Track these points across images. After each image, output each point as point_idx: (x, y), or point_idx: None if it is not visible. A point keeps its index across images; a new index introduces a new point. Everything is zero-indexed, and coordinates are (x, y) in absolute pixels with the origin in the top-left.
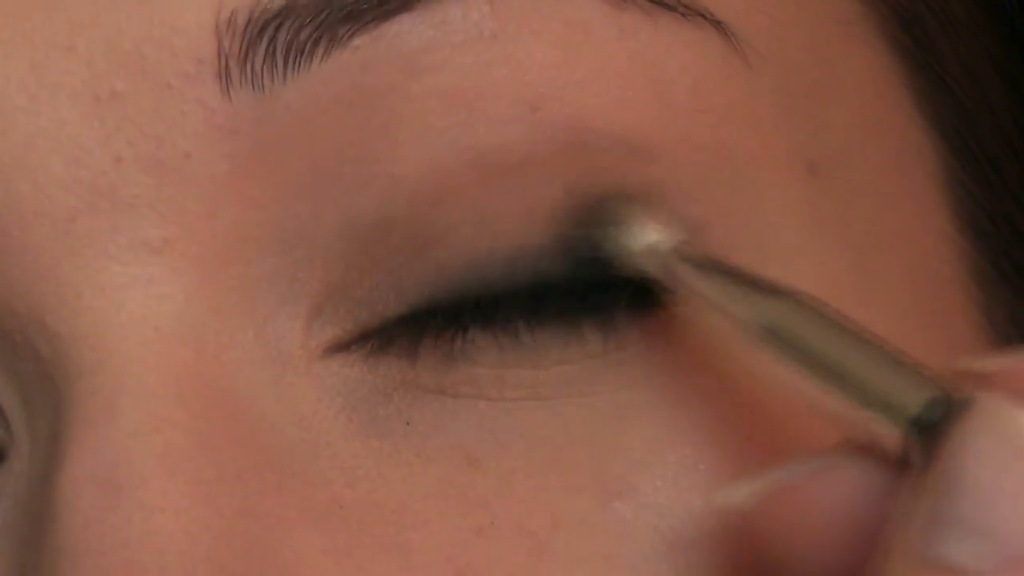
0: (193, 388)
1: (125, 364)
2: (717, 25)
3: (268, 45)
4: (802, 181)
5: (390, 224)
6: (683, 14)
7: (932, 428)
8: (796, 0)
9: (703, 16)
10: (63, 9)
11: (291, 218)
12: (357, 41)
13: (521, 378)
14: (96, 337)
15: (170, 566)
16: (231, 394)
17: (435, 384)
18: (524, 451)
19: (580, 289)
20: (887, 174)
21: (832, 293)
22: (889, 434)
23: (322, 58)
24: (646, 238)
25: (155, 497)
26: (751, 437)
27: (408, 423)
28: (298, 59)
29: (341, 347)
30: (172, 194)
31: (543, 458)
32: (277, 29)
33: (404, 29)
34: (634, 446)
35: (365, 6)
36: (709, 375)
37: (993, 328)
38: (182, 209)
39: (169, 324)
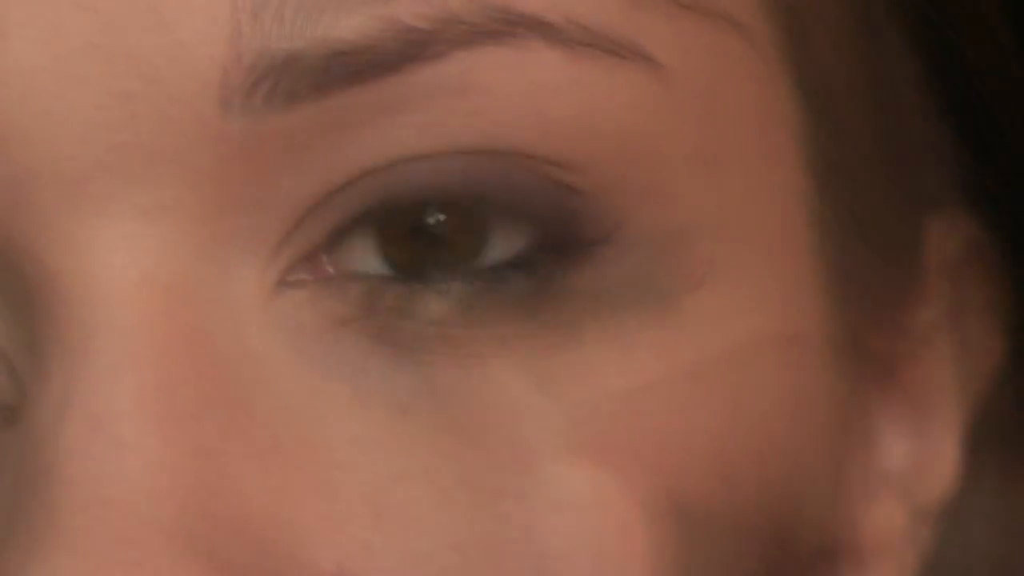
0: (165, 328)
1: (107, 301)
2: (648, 61)
3: (271, 88)
4: (700, 173)
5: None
6: (625, 57)
7: None
8: (701, 6)
9: (639, 55)
10: (91, 10)
11: (268, 194)
12: (348, 91)
13: (464, 337)
14: (83, 273)
15: (138, 502)
16: (197, 333)
17: (385, 335)
18: (454, 407)
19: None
20: (761, 146)
21: (710, 272)
22: None
23: (313, 100)
24: None
25: (129, 434)
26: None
27: (354, 369)
28: (294, 100)
29: (294, 283)
30: (166, 174)
31: (469, 416)
32: (279, 76)
33: (388, 84)
34: (550, 412)
35: (358, 68)
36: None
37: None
38: (173, 186)
39: (152, 271)
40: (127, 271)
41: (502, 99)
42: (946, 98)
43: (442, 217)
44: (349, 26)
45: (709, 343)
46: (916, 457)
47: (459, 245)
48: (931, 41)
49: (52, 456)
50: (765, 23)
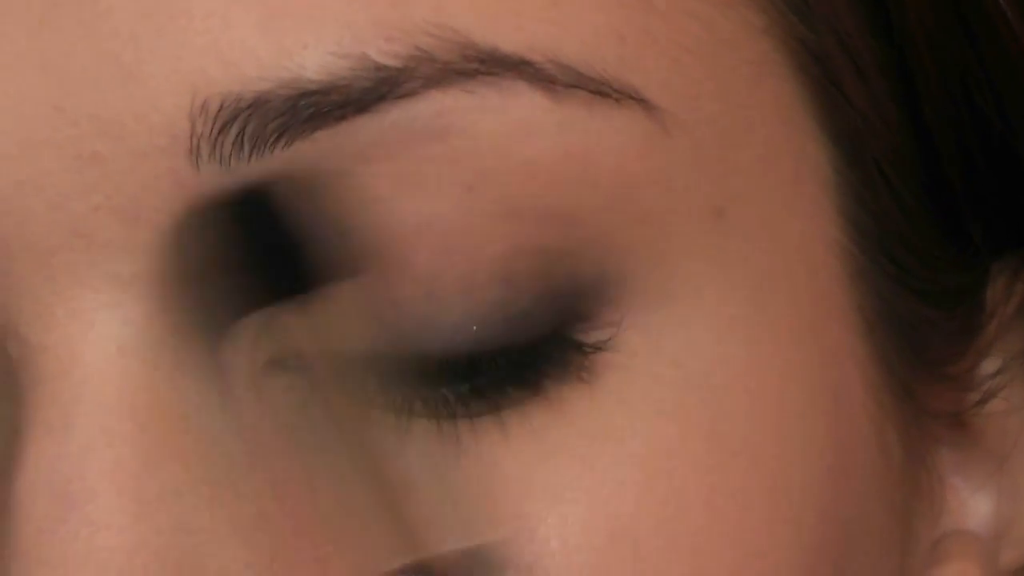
0: (145, 402)
1: (86, 376)
2: (642, 103)
3: (237, 133)
4: (709, 227)
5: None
6: (616, 100)
7: None
8: (712, 52)
9: (631, 97)
10: (56, 73)
11: None
12: (318, 135)
13: (458, 427)
14: (63, 349)
15: None
16: (180, 407)
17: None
18: (457, 483)
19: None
20: (785, 195)
21: (730, 330)
22: None
23: (284, 146)
24: None
25: (102, 514)
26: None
27: (352, 442)
28: (263, 146)
29: (287, 364)
30: (143, 238)
31: (471, 492)
32: (247, 120)
33: (360, 126)
34: (548, 484)
35: (327, 108)
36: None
37: (863, 317)
38: (151, 250)
39: (131, 343)
40: (105, 344)
41: (483, 143)
42: (1000, 142)
43: None
44: (317, 65)
45: (725, 410)
46: (998, 517)
47: None
48: (973, 86)
49: (26, 538)
50: (786, 66)
